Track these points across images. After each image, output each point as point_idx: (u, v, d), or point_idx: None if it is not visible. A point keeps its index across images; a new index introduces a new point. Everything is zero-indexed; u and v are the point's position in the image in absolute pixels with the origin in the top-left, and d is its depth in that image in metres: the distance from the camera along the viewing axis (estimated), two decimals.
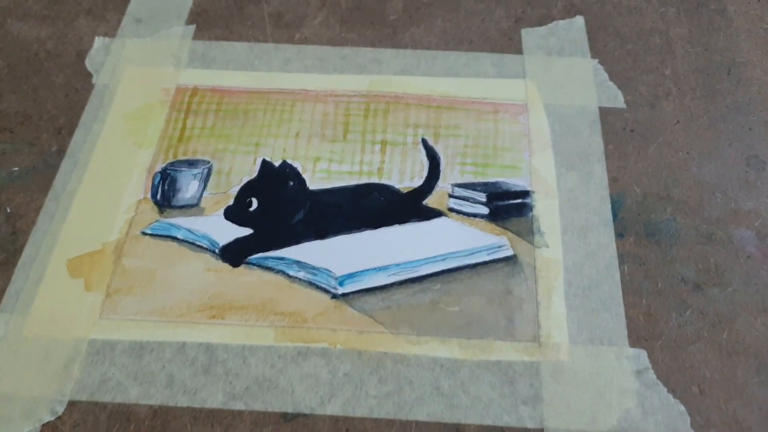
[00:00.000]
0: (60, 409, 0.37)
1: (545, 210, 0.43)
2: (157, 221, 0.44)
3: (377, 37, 0.52)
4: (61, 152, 0.47)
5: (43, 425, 0.36)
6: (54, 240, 0.43)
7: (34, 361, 0.39)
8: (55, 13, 0.54)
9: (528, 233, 0.42)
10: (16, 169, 0.46)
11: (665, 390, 0.37)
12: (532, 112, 0.48)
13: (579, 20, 0.53)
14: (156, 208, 0.44)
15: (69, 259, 0.42)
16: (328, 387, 0.38)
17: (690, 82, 0.49)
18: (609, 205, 0.44)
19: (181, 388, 0.38)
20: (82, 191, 0.45)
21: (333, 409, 0.37)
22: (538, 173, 0.45)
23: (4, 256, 0.43)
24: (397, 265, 0.41)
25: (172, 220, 0.44)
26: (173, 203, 0.45)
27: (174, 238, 0.43)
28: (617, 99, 0.48)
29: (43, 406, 0.37)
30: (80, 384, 0.38)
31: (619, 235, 0.42)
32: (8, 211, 0.44)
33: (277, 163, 0.46)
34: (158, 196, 0.45)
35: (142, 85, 0.50)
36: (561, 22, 0.53)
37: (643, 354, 0.38)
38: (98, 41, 0.52)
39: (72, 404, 0.37)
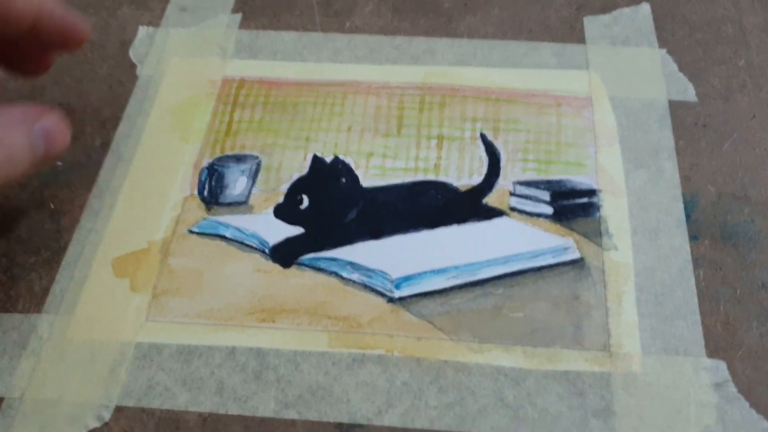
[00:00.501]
0: (106, 415, 0.36)
1: (613, 210, 0.41)
2: (204, 219, 0.42)
3: (431, 26, 0.50)
4: (105, 146, 0.45)
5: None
6: (99, 238, 0.41)
7: (79, 364, 0.37)
8: (98, 1, 0.53)
9: (595, 235, 0.40)
10: (60, 164, 0.44)
11: (747, 404, 0.35)
12: (597, 106, 0.45)
13: (645, 7, 0.50)
14: (203, 206, 0.43)
15: (114, 258, 0.40)
16: (385, 396, 0.36)
17: (766, 74, 0.46)
18: (681, 206, 0.41)
19: (231, 395, 0.36)
20: (126, 187, 0.43)
21: (391, 419, 0.35)
22: (604, 171, 0.42)
23: (49, 254, 0.41)
24: (457, 267, 0.39)
25: (220, 218, 0.42)
26: (221, 200, 0.43)
27: (222, 237, 0.41)
28: (688, 92, 0.46)
29: (89, 411, 0.36)
30: (127, 389, 0.36)
31: (693, 237, 0.40)
32: (52, 207, 0.43)
33: (328, 159, 0.44)
34: (205, 193, 0.43)
35: (187, 76, 0.48)
36: (626, 9, 0.50)
37: (722, 365, 0.36)
38: (142, 31, 0.51)
39: (119, 410, 0.36)
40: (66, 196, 0.43)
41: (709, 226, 0.40)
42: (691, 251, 0.39)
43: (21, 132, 0.35)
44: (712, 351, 0.36)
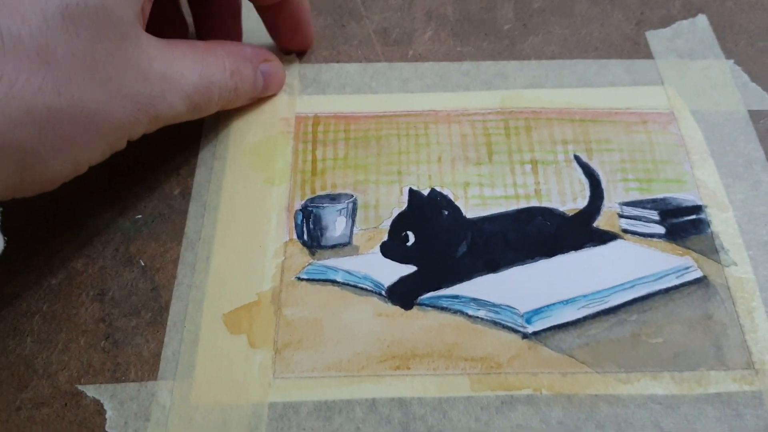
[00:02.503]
0: None
1: (722, 225, 0.41)
2: (310, 264, 0.40)
3: (495, 50, 0.49)
4: (185, 194, 0.43)
5: None
6: (202, 293, 0.39)
7: (211, 431, 0.35)
8: None
9: (711, 251, 0.40)
10: (140, 216, 0.42)
11: None
12: (682, 121, 0.45)
13: (702, 19, 0.50)
14: (305, 250, 0.41)
15: (225, 314, 0.38)
16: None
17: None
18: None
19: None
20: (219, 237, 0.41)
21: None
22: (705, 186, 0.42)
23: (150, 315, 0.39)
24: (585, 296, 0.38)
25: (327, 262, 0.40)
26: (323, 243, 0.41)
27: (333, 282, 0.39)
28: (764, 101, 0.46)
29: None
30: None
31: None
32: (142, 264, 0.40)
33: (425, 192, 0.42)
34: (305, 237, 0.41)
35: (257, 116, 0.46)
36: (684, 22, 0.51)
37: None
38: None
39: None
40: (155, 251, 0.41)
41: None
42: None
43: (250, 67, 0.43)
44: None
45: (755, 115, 0.46)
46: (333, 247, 0.41)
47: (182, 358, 0.37)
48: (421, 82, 0.48)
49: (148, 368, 0.37)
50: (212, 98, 0.41)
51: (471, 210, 0.42)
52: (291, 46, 0.49)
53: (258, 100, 0.47)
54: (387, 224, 0.42)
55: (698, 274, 0.39)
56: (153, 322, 0.38)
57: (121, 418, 0.35)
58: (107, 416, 0.35)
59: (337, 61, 0.49)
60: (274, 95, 0.47)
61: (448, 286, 0.39)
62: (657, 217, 0.41)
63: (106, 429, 0.35)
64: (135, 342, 0.38)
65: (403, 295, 0.39)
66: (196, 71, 0.39)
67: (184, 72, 0.39)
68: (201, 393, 0.36)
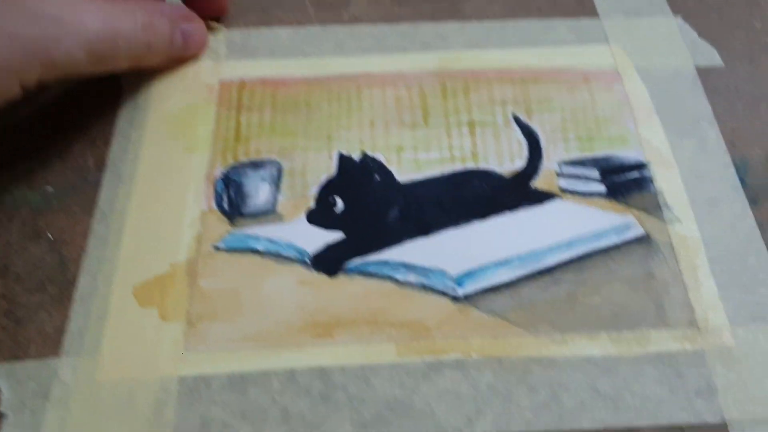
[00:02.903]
0: None
1: (667, 182, 0.39)
2: (229, 233, 0.38)
3: (435, 11, 0.47)
4: (100, 165, 0.41)
5: None
6: (112, 266, 0.37)
7: (117, 409, 0.32)
8: None
9: (654, 209, 0.38)
10: (50, 188, 0.39)
11: None
12: (626, 78, 0.43)
13: None
14: (225, 219, 0.38)
15: (135, 286, 0.36)
16: (472, 403, 0.32)
17: None
18: (733, 171, 0.39)
19: (300, 423, 0.32)
20: (133, 208, 0.39)
21: (484, 427, 0.32)
22: (649, 143, 0.40)
23: (56, 290, 0.36)
24: (520, 257, 0.36)
25: (248, 231, 0.38)
26: (244, 211, 0.39)
27: (254, 251, 0.37)
28: (713, 57, 0.44)
29: None
30: (178, 430, 0.32)
31: (753, 201, 0.38)
32: (50, 238, 0.38)
33: (356, 157, 0.40)
34: (225, 205, 0.39)
35: (179, 82, 0.44)
36: None
37: None
38: None
39: None
40: (65, 224, 0.38)
41: (766, 189, 0.38)
42: (754, 216, 0.38)
43: (167, 24, 0.41)
44: None
45: (703, 72, 0.44)
46: (255, 215, 0.39)
47: (88, 334, 0.34)
48: (356, 45, 0.46)
49: (51, 345, 0.34)
50: (118, 50, 0.39)
51: (404, 174, 0.40)
52: (204, 11, 0.46)
53: (180, 65, 0.44)
54: (314, 191, 0.39)
55: (640, 232, 0.37)
56: (59, 298, 0.36)
57: (18, 397, 0.33)
58: (2, 397, 0.33)
59: (268, 25, 0.47)
60: (196, 59, 0.44)
61: (376, 252, 0.37)
62: (597, 176, 0.39)
63: (1, 410, 0.32)
64: (38, 318, 0.35)
65: (328, 262, 0.36)
66: (98, 18, 0.37)
67: (84, 18, 0.37)
68: (107, 369, 0.33)
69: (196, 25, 0.44)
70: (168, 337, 0.34)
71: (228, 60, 0.45)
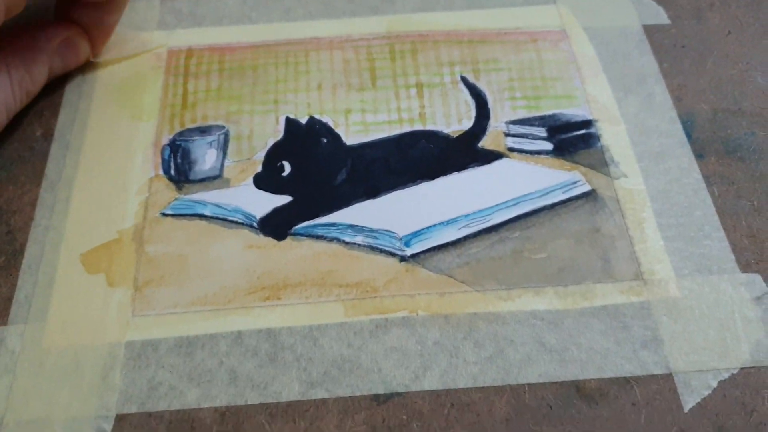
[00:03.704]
0: (107, 427, 0.31)
1: (613, 138, 0.39)
2: (176, 199, 0.37)
3: None
4: (47, 136, 0.40)
5: None
6: (59, 235, 0.36)
7: (64, 375, 0.32)
8: None
9: (601, 165, 0.38)
10: None
11: None
12: (573, 38, 0.43)
13: None
14: (172, 185, 0.38)
15: (82, 253, 0.35)
16: (419, 359, 0.32)
17: None
18: (680, 126, 0.39)
19: (247, 384, 0.32)
20: (80, 177, 0.38)
21: (431, 383, 0.32)
22: (596, 101, 0.40)
23: (4, 259, 0.36)
24: (466, 215, 0.36)
25: (195, 196, 0.37)
26: (191, 177, 0.38)
27: (201, 216, 0.37)
28: (659, 15, 0.44)
29: (85, 425, 0.31)
30: (126, 394, 0.32)
31: (699, 156, 0.38)
32: None
33: (303, 120, 0.40)
34: (172, 171, 0.39)
35: (127, 52, 0.43)
36: None
37: (758, 278, 0.35)
38: None
39: (121, 419, 0.31)
40: (12, 194, 0.38)
41: (712, 143, 0.39)
42: (700, 170, 0.38)
43: (42, 59, 0.39)
44: (744, 265, 0.35)
45: (650, 30, 0.44)
46: (202, 180, 0.38)
47: (35, 301, 0.34)
48: (304, 11, 0.45)
49: None
50: (1, 118, 0.38)
51: (352, 137, 0.40)
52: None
53: (127, 37, 0.44)
54: (261, 155, 0.39)
55: (586, 188, 0.37)
56: (6, 267, 0.36)
57: None
58: None
59: None
60: (145, 29, 0.44)
61: (325, 215, 0.37)
62: (544, 134, 0.39)
63: None
64: None
65: (276, 226, 0.36)
66: None
67: None
68: (54, 336, 0.33)
69: (73, 37, 0.41)
70: (115, 302, 0.34)
71: (175, 29, 0.44)
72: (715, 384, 0.32)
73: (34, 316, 0.34)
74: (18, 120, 0.41)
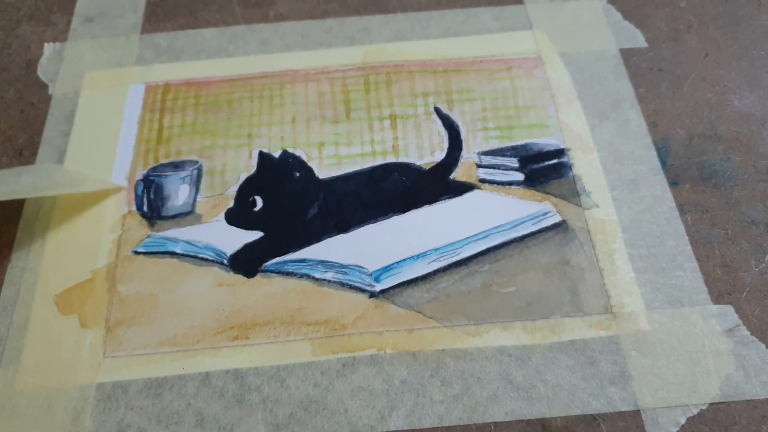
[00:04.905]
0: None
1: (586, 167, 0.39)
2: (148, 237, 0.38)
3: (361, 5, 0.47)
4: None
5: None
6: (35, 275, 0.37)
7: (35, 418, 0.33)
8: None
9: (572, 195, 0.38)
10: None
11: (763, 346, 0.33)
12: (549, 64, 0.43)
13: None
14: (145, 222, 0.38)
15: (56, 294, 0.36)
16: (385, 399, 0.32)
17: (709, 12, 0.45)
18: (654, 153, 0.39)
19: (214, 426, 0.32)
20: (56, 215, 0.39)
21: (396, 423, 0.32)
22: (569, 129, 0.40)
23: None
24: (436, 249, 0.36)
25: (167, 233, 0.38)
26: (163, 213, 0.39)
27: (172, 254, 0.37)
28: (637, 38, 0.44)
29: None
30: None
31: (673, 183, 0.38)
32: None
33: (276, 154, 0.40)
34: (145, 208, 0.39)
35: (106, 89, 0.44)
36: None
37: (730, 309, 0.34)
38: (48, 48, 0.46)
39: None
40: None
41: (687, 170, 0.38)
42: (674, 197, 0.38)
43: None
44: (717, 297, 0.35)
45: (627, 53, 0.44)
46: (174, 216, 0.39)
47: (9, 343, 0.35)
48: (281, 43, 0.46)
49: None
50: None
51: (325, 170, 0.40)
52: None
53: (107, 73, 0.44)
54: (234, 190, 0.39)
55: (557, 218, 0.37)
56: None
57: None
58: None
59: (195, 28, 0.47)
60: (123, 64, 0.44)
61: (295, 251, 0.37)
62: (516, 164, 0.39)
63: None
64: None
65: (246, 263, 0.36)
66: None
67: None
68: (27, 378, 0.34)
69: None
70: (87, 344, 0.35)
71: (154, 64, 0.45)
72: (683, 421, 0.31)
73: (8, 358, 0.34)
74: None
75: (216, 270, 0.37)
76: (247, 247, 0.37)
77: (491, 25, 0.45)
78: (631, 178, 0.38)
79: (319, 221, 0.38)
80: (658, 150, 0.39)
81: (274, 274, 0.36)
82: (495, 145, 0.40)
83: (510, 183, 0.38)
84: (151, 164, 0.40)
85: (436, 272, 0.36)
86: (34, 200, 0.39)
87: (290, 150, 0.40)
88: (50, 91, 0.44)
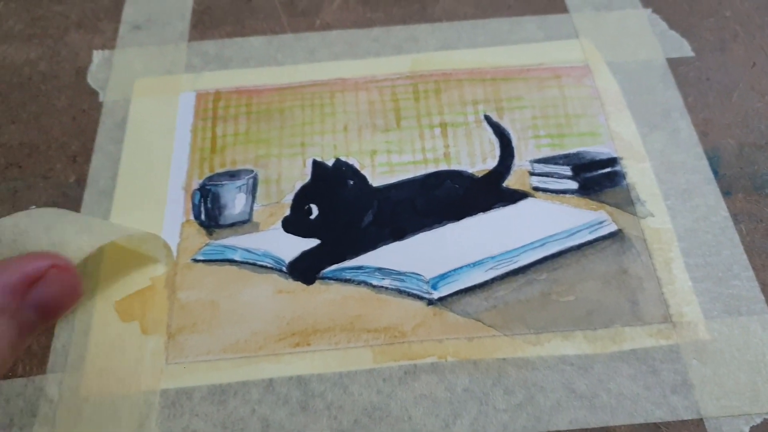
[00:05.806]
0: None
1: (639, 176, 0.39)
2: (207, 245, 0.38)
3: (406, 14, 0.48)
4: (81, 182, 0.41)
5: None
6: (94, 282, 0.37)
7: (101, 424, 0.33)
8: (41, 30, 0.48)
9: (627, 204, 0.38)
10: (34, 207, 0.40)
11: None
12: (597, 73, 0.43)
13: None
14: (203, 230, 0.39)
15: (117, 301, 0.36)
16: (449, 407, 0.33)
17: (755, 21, 0.45)
18: (706, 162, 0.39)
19: None
20: (114, 222, 0.39)
21: (461, 431, 0.32)
22: (620, 137, 0.40)
23: None
24: (493, 257, 0.36)
25: (225, 241, 0.38)
26: (221, 222, 0.39)
27: (231, 261, 0.37)
28: (683, 48, 0.44)
29: None
30: None
31: (726, 193, 0.38)
32: None
33: (330, 163, 0.40)
34: (202, 217, 0.39)
35: (156, 97, 0.44)
36: None
37: None
38: (97, 55, 0.46)
39: None
40: None
41: (739, 179, 0.39)
42: (728, 207, 0.38)
43: (11, 310, 0.25)
44: None
45: (674, 63, 0.44)
46: (232, 225, 0.39)
47: (72, 350, 0.35)
48: (329, 51, 0.46)
49: (37, 362, 0.35)
50: None
51: (378, 178, 0.40)
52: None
53: (157, 80, 0.44)
54: (289, 198, 0.39)
55: (613, 227, 0.37)
56: None
57: (6, 415, 0.33)
58: None
59: (242, 36, 0.47)
60: (173, 72, 0.45)
61: (352, 258, 0.37)
62: (569, 172, 0.39)
63: None
64: None
65: (304, 270, 0.37)
66: None
67: None
68: (91, 384, 0.34)
69: (52, 277, 0.26)
70: (149, 350, 0.35)
71: (203, 71, 0.45)
72: (747, 429, 0.32)
73: (72, 364, 0.35)
74: (52, 167, 0.41)
75: (275, 277, 0.37)
76: (305, 254, 0.37)
77: (536, 34, 0.46)
78: (684, 188, 0.39)
79: (374, 229, 0.38)
80: (710, 159, 0.40)
81: (332, 281, 0.37)
82: (547, 153, 0.40)
83: (564, 191, 0.39)
84: (207, 173, 0.41)
85: (493, 280, 0.36)
86: (89, 206, 0.40)
87: (343, 158, 0.41)
88: (101, 98, 0.44)
